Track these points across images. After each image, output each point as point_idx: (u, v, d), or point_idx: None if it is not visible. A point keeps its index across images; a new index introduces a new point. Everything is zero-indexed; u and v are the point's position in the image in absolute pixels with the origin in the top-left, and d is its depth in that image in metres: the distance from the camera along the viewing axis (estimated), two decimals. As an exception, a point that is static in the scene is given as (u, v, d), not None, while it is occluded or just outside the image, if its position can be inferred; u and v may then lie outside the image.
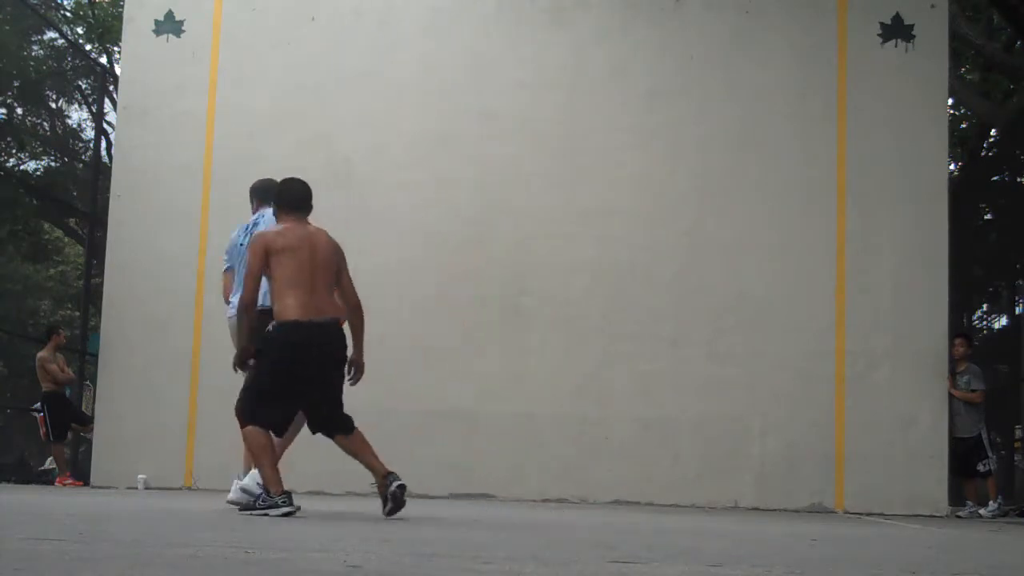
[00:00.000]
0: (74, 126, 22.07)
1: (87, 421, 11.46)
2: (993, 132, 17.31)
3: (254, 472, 5.51)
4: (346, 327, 5.59)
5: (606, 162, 9.91)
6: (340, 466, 9.68)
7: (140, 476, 9.50)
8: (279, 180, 5.83)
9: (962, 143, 18.13)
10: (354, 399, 9.57)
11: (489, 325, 9.66)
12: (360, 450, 5.62)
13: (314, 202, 10.81)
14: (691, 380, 9.58)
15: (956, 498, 10.47)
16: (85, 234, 17.59)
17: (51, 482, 11.24)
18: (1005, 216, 17.86)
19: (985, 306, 21.83)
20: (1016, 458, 17.19)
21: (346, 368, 5.55)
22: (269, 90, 10.11)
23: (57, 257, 23.53)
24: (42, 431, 11.35)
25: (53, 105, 21.02)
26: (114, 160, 11.17)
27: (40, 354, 11.36)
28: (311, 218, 5.71)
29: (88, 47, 20.00)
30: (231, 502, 5.65)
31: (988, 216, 19.56)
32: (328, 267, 5.43)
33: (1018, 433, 14.28)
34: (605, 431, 9.58)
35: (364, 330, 5.63)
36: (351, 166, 9.97)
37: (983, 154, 18.46)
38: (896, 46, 9.82)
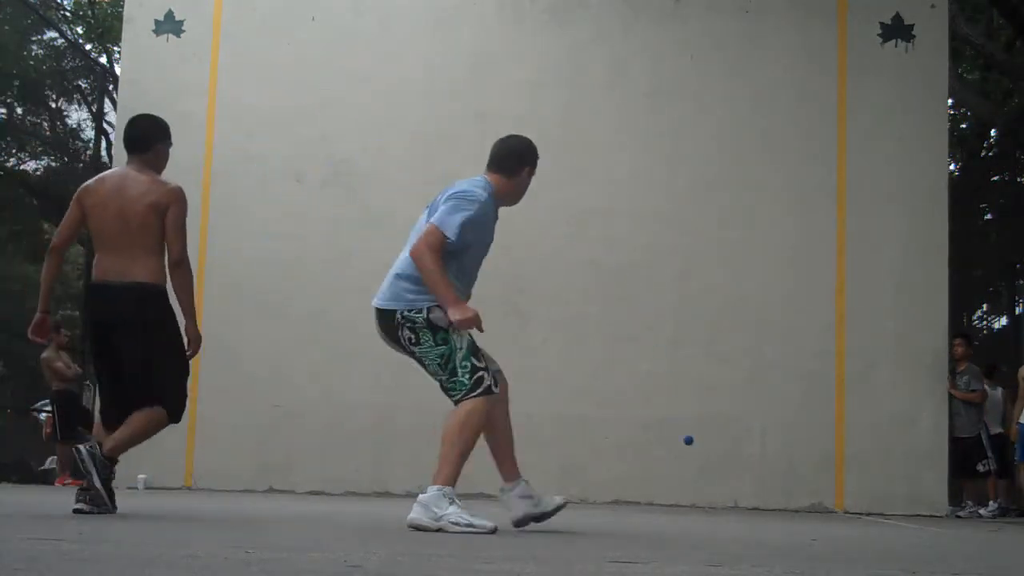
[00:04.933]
0: (74, 126, 22.06)
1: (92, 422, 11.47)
2: (993, 132, 17.31)
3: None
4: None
5: (606, 162, 9.90)
6: (340, 466, 9.73)
7: (140, 476, 9.49)
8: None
9: (962, 143, 18.13)
10: (355, 399, 9.64)
11: (489, 325, 9.62)
12: (128, 426, 4.86)
13: (313, 201, 10.80)
14: (691, 380, 9.57)
15: (956, 498, 10.48)
16: (85, 234, 17.59)
17: (51, 482, 11.24)
18: (1005, 216, 17.86)
19: (985, 306, 21.82)
20: (1016, 458, 17.17)
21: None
22: (269, 90, 10.10)
23: (57, 257, 23.48)
24: (47, 431, 11.36)
25: (53, 105, 21.01)
26: (114, 160, 11.17)
27: (44, 355, 11.35)
28: None
29: (88, 47, 20.00)
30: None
31: (988, 216, 19.56)
32: (139, 222, 4.87)
33: (1019, 433, 14.27)
34: (605, 431, 9.58)
35: (193, 294, 5.01)
36: (351, 166, 9.97)
37: (983, 154, 18.47)
38: (896, 46, 9.82)
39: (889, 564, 3.52)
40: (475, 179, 4.86)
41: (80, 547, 3.06)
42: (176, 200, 5.01)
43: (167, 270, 4.99)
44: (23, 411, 22.20)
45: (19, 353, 23.06)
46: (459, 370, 4.70)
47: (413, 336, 4.60)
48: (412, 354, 4.69)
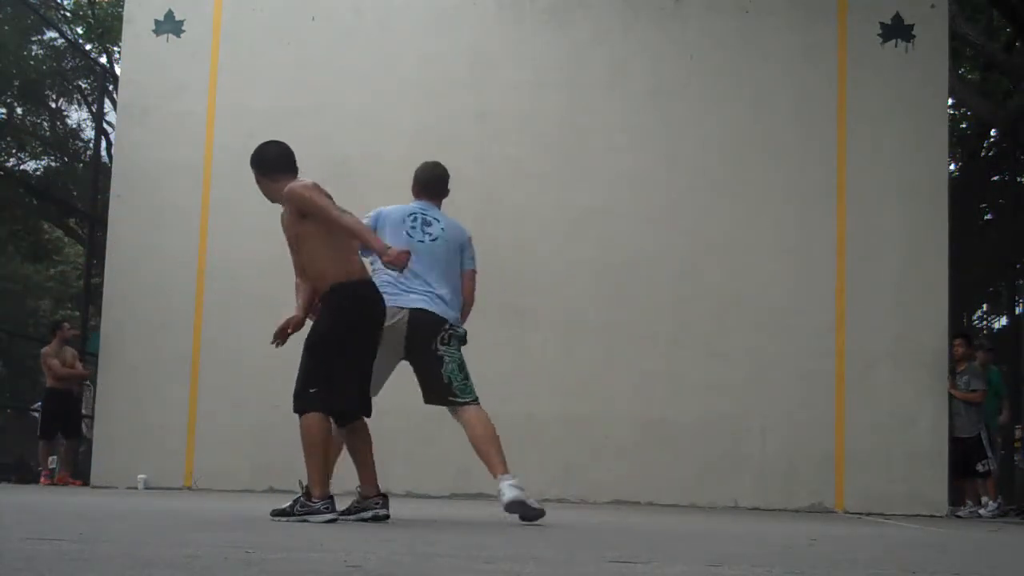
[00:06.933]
0: (74, 126, 22.07)
1: (77, 434, 11.52)
2: (993, 132, 17.31)
3: None
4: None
5: (606, 162, 9.90)
6: (340, 466, 9.72)
7: (140, 476, 9.50)
8: None
9: (962, 143, 18.14)
10: (354, 399, 9.62)
11: (489, 325, 9.64)
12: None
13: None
14: (691, 380, 9.57)
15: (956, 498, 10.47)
16: (85, 234, 17.58)
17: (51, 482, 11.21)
18: (1005, 216, 17.86)
19: (985, 306, 21.83)
20: (1016, 458, 17.19)
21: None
22: (269, 90, 10.10)
23: (57, 257, 23.55)
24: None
25: (53, 105, 21.01)
26: (114, 160, 11.17)
27: (44, 349, 11.33)
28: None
29: (88, 47, 20.00)
30: None
31: (988, 216, 19.56)
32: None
33: (1018, 433, 14.27)
34: (605, 431, 9.58)
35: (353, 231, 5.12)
36: (351, 166, 9.96)
37: (983, 154, 18.47)
38: (896, 46, 9.82)
39: (889, 564, 3.52)
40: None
41: (80, 547, 3.06)
42: (290, 200, 5.06)
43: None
44: (23, 411, 22.22)
45: (19, 353, 23.08)
46: (469, 378, 5.70)
47: (446, 338, 5.59)
48: (432, 352, 5.59)
